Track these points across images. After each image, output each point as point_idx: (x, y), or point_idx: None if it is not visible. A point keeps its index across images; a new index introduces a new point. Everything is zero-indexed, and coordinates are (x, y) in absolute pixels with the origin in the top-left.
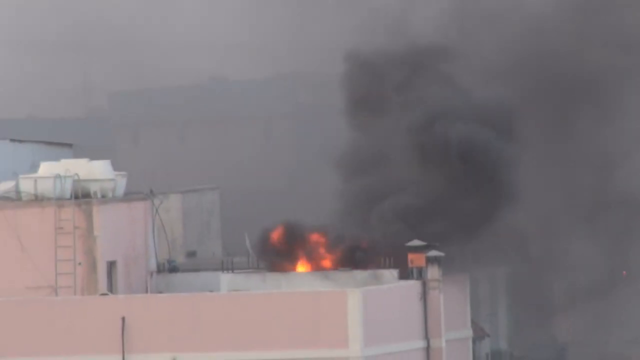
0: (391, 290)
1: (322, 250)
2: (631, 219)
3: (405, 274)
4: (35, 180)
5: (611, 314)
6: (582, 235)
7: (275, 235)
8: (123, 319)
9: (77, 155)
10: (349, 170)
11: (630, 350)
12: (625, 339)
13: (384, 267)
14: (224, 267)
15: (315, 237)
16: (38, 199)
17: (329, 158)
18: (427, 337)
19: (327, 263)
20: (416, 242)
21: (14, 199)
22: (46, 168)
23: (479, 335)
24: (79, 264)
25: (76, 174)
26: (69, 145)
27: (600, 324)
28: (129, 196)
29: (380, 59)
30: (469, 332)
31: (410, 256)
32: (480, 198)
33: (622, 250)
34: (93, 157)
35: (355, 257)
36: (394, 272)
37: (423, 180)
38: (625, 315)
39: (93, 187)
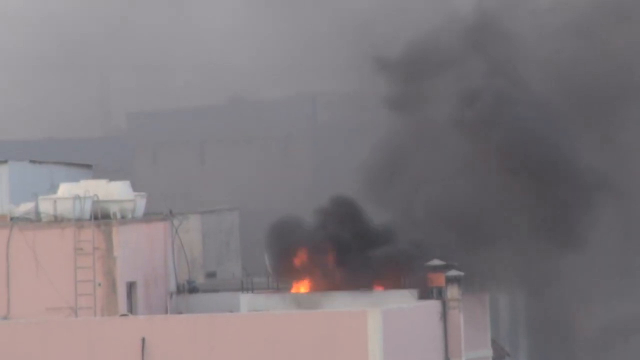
0: (411, 310)
1: (342, 269)
2: None
3: (424, 294)
4: (55, 201)
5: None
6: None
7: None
8: (143, 339)
9: (97, 176)
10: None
11: None
12: None
13: (403, 286)
14: (244, 287)
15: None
16: (57, 220)
17: (355, 173)
18: (447, 357)
19: (347, 282)
20: (436, 262)
21: (34, 220)
22: (65, 189)
23: (499, 355)
24: (99, 284)
25: (95, 195)
26: (89, 166)
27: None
28: (149, 217)
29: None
30: (489, 352)
31: (430, 276)
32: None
33: None
34: (112, 177)
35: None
36: (414, 292)
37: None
38: None
39: (112, 208)
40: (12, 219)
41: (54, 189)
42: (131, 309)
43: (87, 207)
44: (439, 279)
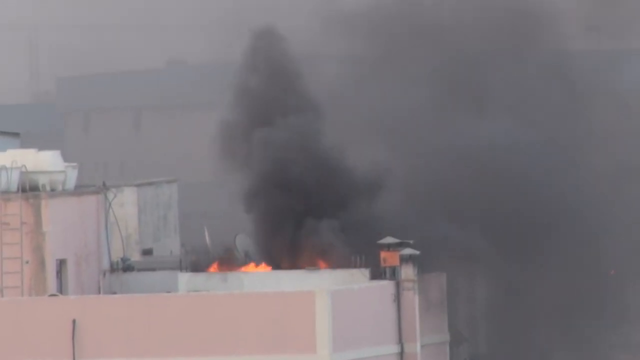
0: (362, 291)
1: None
2: None
3: (377, 274)
4: None
5: (602, 317)
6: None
7: None
8: (74, 321)
9: (25, 145)
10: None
11: (622, 355)
12: (617, 344)
13: (355, 265)
14: (182, 265)
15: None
16: None
17: None
18: (401, 342)
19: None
20: (389, 240)
21: None
22: None
23: (457, 340)
24: (26, 262)
25: (23, 165)
26: (16, 134)
27: (589, 328)
28: (80, 189)
29: None
30: (446, 336)
31: (383, 254)
32: None
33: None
34: (41, 146)
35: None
36: (366, 272)
37: None
38: (618, 318)
39: (42, 180)
40: None
41: None
42: (61, 288)
43: (15, 178)
44: (392, 258)
